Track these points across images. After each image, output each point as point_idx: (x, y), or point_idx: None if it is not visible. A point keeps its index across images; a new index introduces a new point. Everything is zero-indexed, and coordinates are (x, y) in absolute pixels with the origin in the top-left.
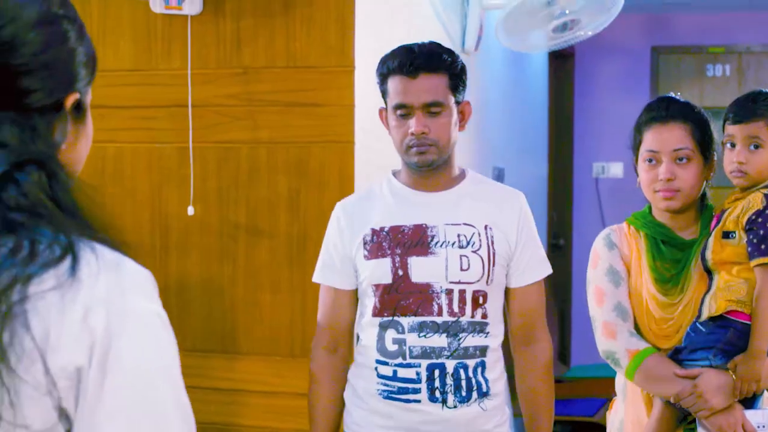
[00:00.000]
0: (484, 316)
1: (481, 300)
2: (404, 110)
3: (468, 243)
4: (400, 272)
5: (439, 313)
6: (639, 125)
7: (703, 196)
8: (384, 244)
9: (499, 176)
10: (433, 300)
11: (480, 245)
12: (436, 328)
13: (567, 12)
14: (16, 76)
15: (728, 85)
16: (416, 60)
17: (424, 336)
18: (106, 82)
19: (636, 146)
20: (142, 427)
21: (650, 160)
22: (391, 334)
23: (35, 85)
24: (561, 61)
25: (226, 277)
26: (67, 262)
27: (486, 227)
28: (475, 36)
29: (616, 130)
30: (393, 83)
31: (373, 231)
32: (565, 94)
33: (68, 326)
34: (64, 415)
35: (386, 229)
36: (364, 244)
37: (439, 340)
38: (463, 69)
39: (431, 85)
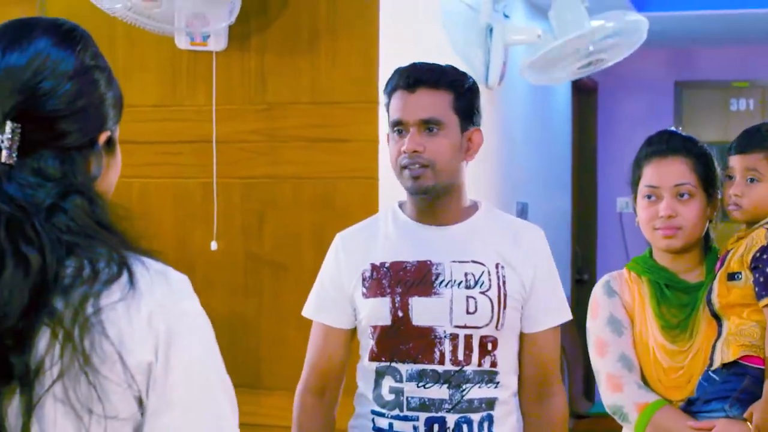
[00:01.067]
0: (494, 364)
1: (490, 346)
2: (400, 126)
3: (476, 283)
4: (400, 313)
5: (441, 361)
6: (638, 160)
7: (707, 236)
8: (384, 281)
9: (522, 211)
10: (435, 346)
11: (489, 286)
12: (437, 378)
13: (592, 49)
14: (55, 120)
15: (752, 120)
16: (416, 73)
17: (423, 386)
18: (131, 118)
19: (635, 182)
20: (199, 409)
21: (649, 197)
22: (388, 382)
23: (71, 127)
24: (584, 95)
25: (251, 312)
26: (125, 276)
27: (497, 266)
28: (498, 71)
29: None
30: (394, 100)
31: (373, 266)
32: (589, 128)
33: (137, 330)
34: (141, 404)
35: (387, 265)
36: (363, 280)
37: (440, 392)
38: (472, 92)
39: (430, 101)
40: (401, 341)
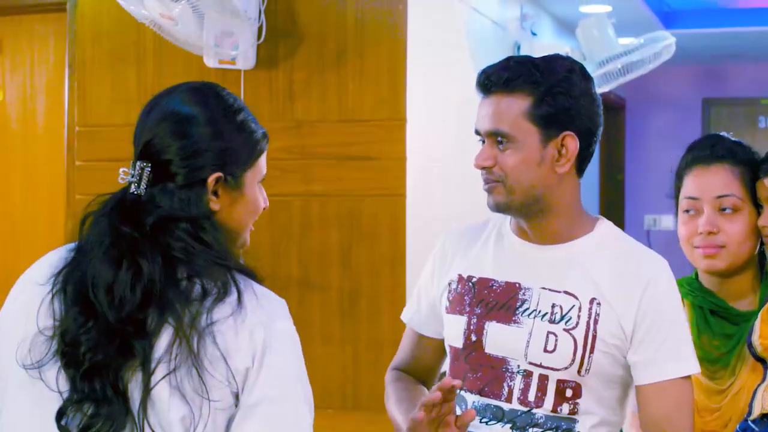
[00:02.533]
0: (573, 411)
1: (569, 393)
2: (478, 137)
3: (562, 318)
4: (474, 337)
5: (508, 399)
6: (680, 168)
7: (763, 257)
8: (466, 297)
9: None
10: (505, 380)
11: (577, 323)
12: (501, 416)
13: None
14: (172, 163)
15: None
16: (491, 73)
17: (486, 422)
18: None
19: (676, 194)
20: (281, 407)
21: (689, 210)
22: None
23: (177, 170)
24: (612, 113)
25: None
26: (234, 296)
27: (593, 301)
28: None
29: (668, 183)
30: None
31: (460, 278)
32: (617, 146)
33: (241, 340)
34: (237, 398)
35: (474, 280)
36: (449, 292)
37: (502, 431)
38: (563, 91)
39: (499, 109)
40: (471, 368)
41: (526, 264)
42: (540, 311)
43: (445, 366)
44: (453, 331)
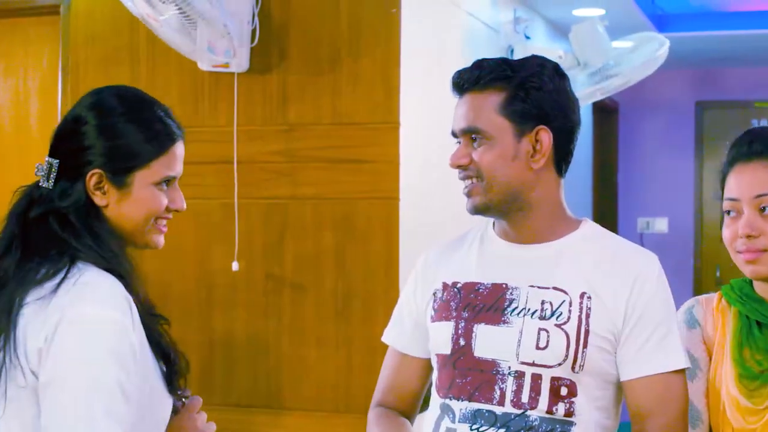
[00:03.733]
0: (569, 413)
1: (564, 392)
2: (455, 139)
3: (553, 313)
4: (462, 342)
5: (501, 402)
6: (723, 167)
7: None
8: (452, 303)
9: None
10: (496, 383)
11: (569, 318)
12: (493, 421)
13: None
14: (63, 160)
15: None
16: (463, 74)
17: (477, 429)
18: None
19: (722, 195)
20: (60, 396)
21: (729, 212)
22: (445, 423)
23: (66, 167)
24: (605, 116)
25: (271, 332)
26: (57, 280)
27: (583, 295)
28: None
29: (661, 185)
30: None
31: (444, 286)
32: (610, 149)
33: (38, 322)
34: (36, 377)
35: (459, 286)
36: (434, 301)
37: None
38: (535, 86)
39: (473, 107)
40: (459, 374)
41: (512, 264)
42: (529, 309)
43: (434, 380)
44: (440, 337)
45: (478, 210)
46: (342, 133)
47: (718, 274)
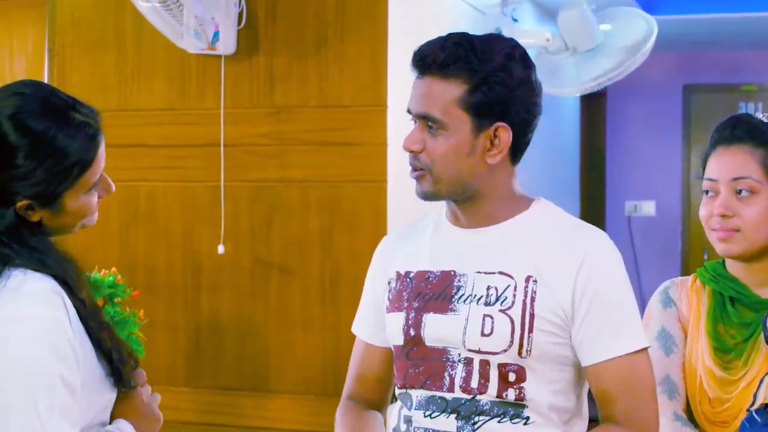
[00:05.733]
0: (520, 397)
1: (512, 377)
2: (410, 116)
3: (497, 299)
4: (413, 332)
5: (450, 388)
6: (706, 149)
7: None
8: (404, 293)
9: None
10: (446, 370)
11: (513, 303)
12: (444, 407)
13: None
14: None
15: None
16: (428, 52)
17: (430, 416)
18: (139, 122)
19: (703, 175)
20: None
21: (708, 192)
22: (403, 411)
23: None
24: (592, 100)
25: (258, 316)
26: None
27: (528, 279)
28: None
29: (649, 169)
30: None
31: (398, 275)
32: (597, 133)
33: None
34: None
35: (411, 275)
36: (389, 291)
37: (447, 423)
38: (499, 81)
39: (432, 93)
40: (412, 365)
41: (461, 250)
42: (475, 295)
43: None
44: (393, 328)
45: (426, 197)
46: (329, 115)
47: (705, 256)
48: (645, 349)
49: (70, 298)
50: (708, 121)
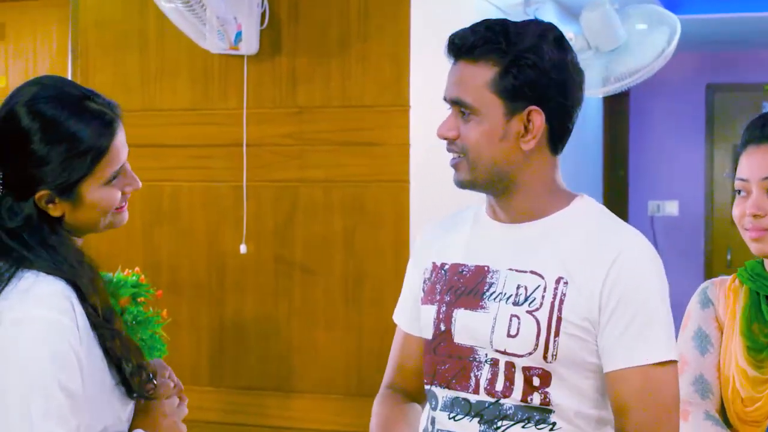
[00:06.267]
0: (546, 402)
1: (537, 381)
2: (446, 104)
3: (526, 299)
4: (443, 327)
5: (476, 390)
6: (738, 148)
7: None
8: (437, 286)
9: None
10: (472, 370)
11: (541, 304)
12: (468, 409)
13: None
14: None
15: None
16: (459, 38)
17: (453, 418)
18: (163, 122)
19: (734, 175)
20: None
21: (740, 191)
22: (430, 411)
23: (8, 185)
24: (615, 99)
25: (281, 315)
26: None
27: (559, 280)
28: None
29: (672, 168)
30: None
31: (434, 266)
32: (620, 132)
33: None
34: None
35: (446, 267)
36: (424, 282)
37: (470, 426)
38: (531, 64)
39: (464, 78)
40: (440, 361)
41: (496, 245)
42: (505, 294)
43: None
44: (425, 321)
45: (463, 185)
46: (351, 115)
47: (729, 256)
48: (671, 362)
49: (81, 304)
50: (731, 120)
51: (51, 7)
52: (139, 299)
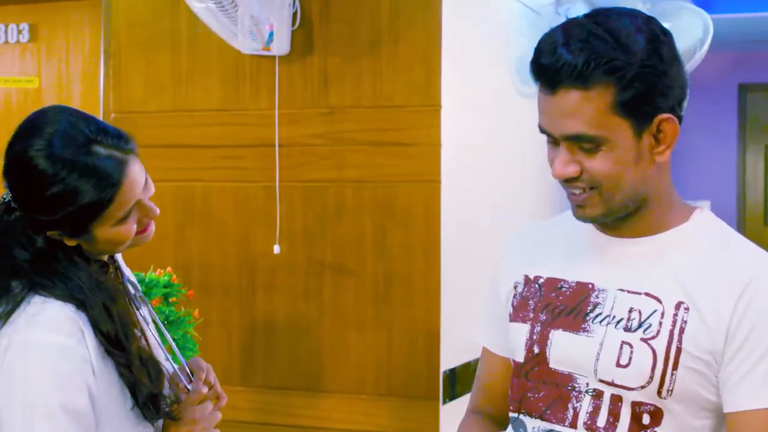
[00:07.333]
0: None
1: (646, 419)
2: (548, 136)
3: (640, 325)
4: (536, 349)
5: (573, 423)
6: None
7: None
8: (531, 302)
9: None
10: (570, 401)
11: (658, 332)
12: None
13: None
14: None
15: None
16: (556, 63)
17: None
18: (194, 122)
19: None
20: (7, 420)
21: None
22: None
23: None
24: None
25: (312, 315)
26: (10, 308)
27: (679, 306)
28: None
29: (703, 169)
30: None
31: (526, 279)
32: None
33: None
34: None
35: (541, 281)
36: (513, 296)
37: None
38: (657, 69)
39: (577, 108)
40: (532, 387)
41: (604, 261)
42: (614, 317)
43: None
44: (516, 342)
45: (594, 220)
46: (383, 115)
47: None
48: None
49: (93, 329)
50: (764, 120)
51: (83, 8)
52: (170, 299)
